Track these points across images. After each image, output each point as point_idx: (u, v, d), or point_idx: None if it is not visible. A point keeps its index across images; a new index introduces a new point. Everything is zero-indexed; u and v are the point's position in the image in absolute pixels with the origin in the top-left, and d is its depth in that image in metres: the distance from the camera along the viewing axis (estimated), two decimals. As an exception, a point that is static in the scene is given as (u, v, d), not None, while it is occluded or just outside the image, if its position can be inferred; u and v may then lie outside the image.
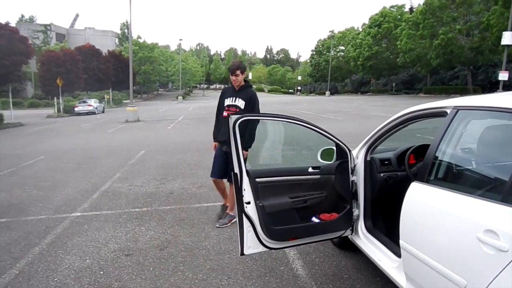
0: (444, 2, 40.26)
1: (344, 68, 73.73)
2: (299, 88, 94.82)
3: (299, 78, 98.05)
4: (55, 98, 35.37)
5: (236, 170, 3.08)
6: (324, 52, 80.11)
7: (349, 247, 3.91)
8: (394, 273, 2.80)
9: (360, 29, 69.15)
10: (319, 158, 3.68)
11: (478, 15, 38.36)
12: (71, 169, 9.16)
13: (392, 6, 60.41)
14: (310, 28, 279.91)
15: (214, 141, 5.02)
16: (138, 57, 64.33)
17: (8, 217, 5.69)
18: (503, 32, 25.03)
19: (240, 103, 4.68)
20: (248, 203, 3.11)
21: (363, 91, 70.53)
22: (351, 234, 3.53)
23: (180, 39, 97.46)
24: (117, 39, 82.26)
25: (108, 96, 48.03)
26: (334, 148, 3.54)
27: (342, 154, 3.42)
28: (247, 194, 3.10)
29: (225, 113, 4.71)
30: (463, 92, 39.44)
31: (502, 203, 1.82)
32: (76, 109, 34.61)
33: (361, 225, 3.48)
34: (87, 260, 4.10)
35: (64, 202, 6.37)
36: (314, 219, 3.39)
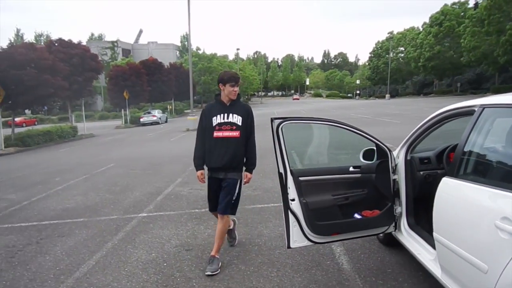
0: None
1: (404, 69, 71.55)
2: (357, 92, 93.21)
3: (358, 82, 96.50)
4: (122, 110, 37.73)
5: (281, 169, 3.38)
6: (383, 54, 78.24)
7: (393, 244, 4.06)
8: (431, 264, 2.96)
9: (421, 29, 66.76)
10: (361, 158, 3.88)
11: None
12: (137, 175, 9.93)
13: (454, 4, 57.85)
14: (369, 30, 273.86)
15: (200, 169, 4.23)
16: (197, 68, 66.46)
17: (85, 217, 6.38)
18: None
19: (236, 119, 3.98)
20: (293, 200, 3.40)
21: (425, 92, 67.90)
22: (394, 230, 3.70)
23: (238, 49, 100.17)
24: (177, 52, 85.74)
25: (170, 107, 50.26)
26: (375, 148, 3.73)
27: (382, 153, 3.61)
28: (292, 192, 3.39)
29: (218, 134, 3.96)
30: (536, 89, 36.88)
31: (517, 193, 1.98)
32: (141, 120, 36.66)
33: (403, 222, 3.64)
34: (153, 254, 4.58)
35: (132, 204, 7.00)
36: (356, 216, 3.61)
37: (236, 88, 3.98)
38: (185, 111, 53.55)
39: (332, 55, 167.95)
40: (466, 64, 50.03)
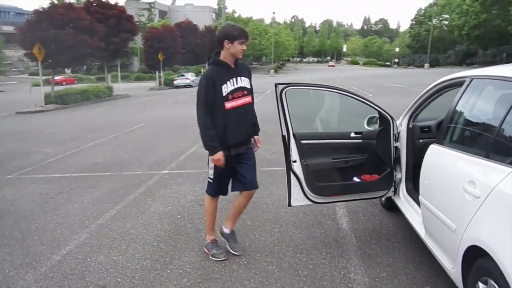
0: None
1: (447, 38, 68.41)
2: (396, 60, 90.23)
3: (397, 49, 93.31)
4: (156, 72, 38.34)
5: (284, 132, 3.57)
6: (425, 22, 74.77)
7: (394, 208, 4.22)
8: (419, 226, 3.13)
9: (468, -5, 63.12)
10: (365, 125, 4.01)
11: None
12: (164, 135, 10.36)
13: (507, -33, 54.05)
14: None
15: (220, 149, 3.32)
16: (232, 31, 66.04)
17: (112, 171, 6.84)
18: None
19: (245, 82, 3.48)
20: (295, 161, 3.60)
21: (468, 63, 64.88)
22: (393, 195, 3.86)
23: (273, 12, 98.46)
24: (214, 14, 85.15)
25: (204, 70, 50.54)
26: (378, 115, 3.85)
27: (384, 121, 3.72)
28: (294, 154, 3.59)
29: (231, 103, 3.32)
30: None
31: (484, 158, 2.11)
32: (175, 82, 37.24)
33: (402, 187, 3.79)
34: (169, 207, 4.94)
35: (156, 162, 7.40)
36: (355, 179, 3.78)
37: (244, 47, 3.32)
38: (219, 75, 53.65)
39: (372, 21, 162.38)
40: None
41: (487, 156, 2.11)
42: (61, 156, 8.36)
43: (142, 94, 30.21)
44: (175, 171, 6.67)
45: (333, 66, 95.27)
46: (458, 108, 2.60)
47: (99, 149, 8.98)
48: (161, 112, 16.44)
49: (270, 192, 5.30)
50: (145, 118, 14.57)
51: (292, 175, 3.62)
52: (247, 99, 3.50)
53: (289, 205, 3.70)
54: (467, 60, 66.67)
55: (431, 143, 3.60)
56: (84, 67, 56.64)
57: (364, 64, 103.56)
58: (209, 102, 3.30)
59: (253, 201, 4.92)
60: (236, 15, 71.90)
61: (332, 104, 4.54)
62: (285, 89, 3.49)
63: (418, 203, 3.47)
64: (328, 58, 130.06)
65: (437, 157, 2.67)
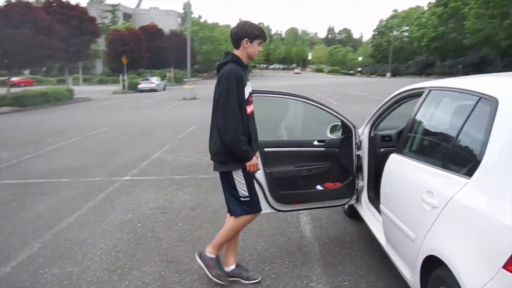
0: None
1: (408, 49, 70.77)
2: (359, 69, 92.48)
3: (360, 59, 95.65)
4: (120, 76, 37.55)
5: (247, 139, 3.54)
6: (387, 32, 77.14)
7: (357, 216, 4.26)
8: (380, 235, 3.17)
9: (426, 8, 65.67)
10: (328, 133, 4.04)
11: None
12: (128, 140, 10.11)
13: (462, -16, 56.70)
14: (374, 7, 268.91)
15: (254, 154, 2.99)
16: (199, 36, 65.85)
17: (71, 177, 6.59)
18: None
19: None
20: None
21: (427, 73, 67.28)
22: (356, 203, 3.91)
23: (240, 19, 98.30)
24: (179, 19, 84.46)
25: (169, 74, 49.95)
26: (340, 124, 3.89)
27: (347, 129, 3.77)
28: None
29: (251, 107, 3.05)
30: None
31: (441, 169, 2.16)
32: (139, 86, 36.56)
33: (364, 195, 3.84)
34: (129, 215, 4.80)
35: (118, 167, 7.20)
36: (319, 187, 3.80)
37: (261, 48, 3.10)
38: (184, 79, 53.24)
39: (336, 30, 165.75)
40: (469, 46, 49.50)
41: (444, 166, 2.15)
42: (15, 161, 7.99)
43: (105, 97, 29.47)
44: (137, 177, 6.51)
45: (299, 73, 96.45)
46: (417, 118, 2.66)
47: (58, 153, 8.65)
48: (124, 116, 16.06)
49: (234, 200, 5.25)
50: (107, 122, 14.20)
51: (255, 184, 3.60)
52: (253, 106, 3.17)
53: None
54: (426, 70, 69.15)
55: (392, 152, 3.70)
56: (44, 68, 54.75)
57: (328, 72, 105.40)
58: (238, 104, 2.86)
59: (215, 209, 4.89)
60: (202, 20, 71.65)
61: (296, 112, 4.57)
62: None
63: (379, 211, 3.53)
64: (294, 65, 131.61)
65: (397, 166, 2.72)
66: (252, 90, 3.47)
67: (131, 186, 5.98)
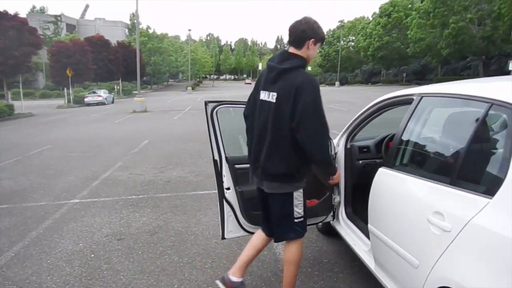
0: (457, -10, 39.57)
1: (354, 58, 73.14)
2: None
3: (309, 68, 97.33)
4: (65, 89, 35.78)
5: (216, 156, 3.19)
6: (334, 42, 79.40)
7: (332, 233, 4.00)
8: (365, 256, 2.90)
9: (371, 19, 68.27)
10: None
11: (490, 4, 37.64)
12: (75, 158, 9.36)
13: (403, -5, 59.52)
14: (321, 18, 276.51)
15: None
16: (147, 48, 64.56)
17: (10, 203, 5.88)
18: (515, 21, 24.57)
19: None
20: (228, 188, 3.22)
21: (373, 81, 69.87)
22: (333, 220, 3.63)
23: (189, 29, 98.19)
24: (127, 30, 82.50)
25: (118, 87, 48.38)
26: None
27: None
28: (227, 180, 3.21)
29: None
30: (474, 82, 38.85)
31: (450, 186, 1.90)
32: (86, 99, 34.99)
33: (341, 211, 3.57)
34: (80, 244, 4.25)
35: (65, 189, 6.55)
36: (294, 205, 3.49)
37: None
38: (134, 92, 51.82)
39: (285, 40, 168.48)
40: (412, 55, 51.84)
41: (454, 183, 1.90)
42: None
43: (49, 112, 27.84)
44: (88, 199, 5.92)
45: (250, 83, 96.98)
46: (410, 128, 2.41)
47: (-5, 176, 7.81)
48: (71, 132, 15.08)
49: (198, 221, 4.83)
50: (52, 138, 13.22)
51: (225, 204, 3.24)
52: None
53: (223, 237, 3.31)
54: (372, 78, 71.80)
55: (373, 165, 3.46)
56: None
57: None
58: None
59: (180, 232, 4.46)
60: (150, 30, 70.29)
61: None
62: (217, 108, 3.12)
63: (360, 228, 3.27)
64: (245, 75, 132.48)
65: (389, 182, 2.45)
66: (218, 101, 3.17)
67: (81, 210, 5.40)
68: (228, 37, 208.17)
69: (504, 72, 38.76)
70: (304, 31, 2.52)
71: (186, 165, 8.07)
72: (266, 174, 2.62)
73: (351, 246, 3.19)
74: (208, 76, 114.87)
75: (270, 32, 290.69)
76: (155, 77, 73.47)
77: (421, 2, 49.83)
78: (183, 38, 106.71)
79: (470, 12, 39.51)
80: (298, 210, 2.71)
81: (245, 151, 4.89)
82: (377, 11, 61.87)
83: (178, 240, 4.25)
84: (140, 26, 48.42)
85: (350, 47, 75.69)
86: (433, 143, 2.40)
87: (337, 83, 66.51)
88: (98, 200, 5.84)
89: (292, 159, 2.52)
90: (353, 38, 75.33)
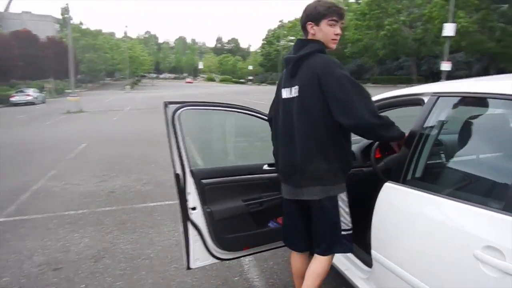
0: (390, -7, 41.19)
1: (294, 58, 74.13)
2: (250, 78, 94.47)
3: (250, 67, 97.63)
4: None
5: (178, 169, 2.61)
6: (275, 42, 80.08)
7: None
8: (363, 284, 2.45)
9: (310, 19, 69.50)
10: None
11: (421, 8, 39.54)
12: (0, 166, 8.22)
13: (340, -4, 61.33)
14: (261, 18, 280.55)
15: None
16: (81, 44, 61.26)
17: None
18: (444, 24, 25.71)
19: None
20: (194, 208, 2.66)
21: (312, 80, 71.21)
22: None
23: (126, 26, 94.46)
24: (57, 25, 77.74)
25: (49, 86, 45.25)
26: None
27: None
28: (192, 199, 2.65)
29: None
30: (408, 82, 40.70)
31: (505, 213, 1.48)
32: (12, 99, 32.34)
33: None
34: (6, 278, 3.46)
35: (-14, 205, 5.57)
36: (271, 224, 2.99)
37: (339, 30, 2.22)
38: (67, 91, 48.62)
39: (225, 40, 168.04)
40: (349, 55, 53.37)
41: (507, 208, 1.48)
42: None
43: (-31, 113, 25.23)
44: (15, 217, 5.02)
45: (191, 82, 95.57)
46: (426, 134, 1.99)
47: None
48: (-6, 136, 13.53)
49: (151, 240, 4.17)
50: (-29, 144, 11.72)
51: (190, 227, 2.67)
52: None
53: (188, 268, 2.73)
54: (311, 77, 73.05)
55: (361, 174, 3.04)
56: None
57: (220, 81, 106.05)
58: None
59: (131, 256, 3.81)
60: (83, 26, 66.79)
61: (235, 128, 3.71)
62: (179, 111, 2.54)
63: (353, 251, 2.83)
64: (185, 74, 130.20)
65: (403, 202, 2.01)
66: (181, 102, 2.62)
67: (6, 232, 4.53)
68: (167, 36, 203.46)
69: (433, 72, 41.02)
70: (302, 17, 2.28)
71: (131, 172, 7.30)
72: (305, 178, 2.22)
73: (341, 271, 2.74)
74: (147, 74, 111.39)
75: (210, 31, 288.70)
76: (90, 75, 69.95)
77: (358, 4, 51.54)
78: (119, 35, 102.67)
79: (403, 15, 41.32)
80: (345, 219, 2.31)
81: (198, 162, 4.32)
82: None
83: (129, 267, 3.58)
84: (72, 22, 45.45)
85: (291, 47, 76.58)
86: (467, 155, 1.99)
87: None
88: (28, 218, 4.97)
89: (332, 153, 2.15)
90: (293, 38, 76.33)
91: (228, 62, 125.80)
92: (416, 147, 2.02)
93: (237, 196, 2.87)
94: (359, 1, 50.30)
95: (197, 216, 2.67)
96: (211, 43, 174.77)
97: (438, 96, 2.01)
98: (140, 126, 14.57)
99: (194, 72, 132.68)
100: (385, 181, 2.18)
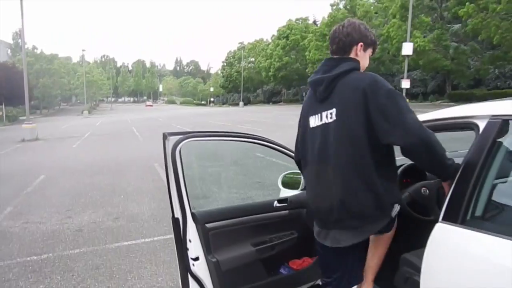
0: (347, 15, 42.40)
1: (256, 78, 74.70)
2: (212, 99, 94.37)
3: (212, 89, 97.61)
4: None
5: (177, 213, 2.17)
6: (235, 64, 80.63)
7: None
8: None
9: (270, 41, 70.60)
10: (280, 186, 2.87)
11: (379, 28, 40.91)
12: None
13: (297, 19, 62.65)
14: (220, 40, 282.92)
15: None
16: (34, 69, 59.04)
17: None
18: (403, 43, 26.57)
19: None
20: (196, 259, 2.21)
21: (274, 101, 71.87)
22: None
23: (83, 50, 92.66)
24: (9, 50, 74.77)
25: (0, 113, 42.98)
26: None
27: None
28: (194, 247, 2.20)
29: None
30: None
31: None
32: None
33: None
34: None
35: None
36: (283, 270, 2.57)
37: None
38: (21, 117, 46.39)
39: (184, 62, 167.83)
40: (310, 75, 54.29)
41: None
42: None
43: None
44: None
45: (151, 105, 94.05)
46: (488, 164, 1.65)
47: None
48: None
49: (131, 289, 3.63)
50: None
51: (192, 282, 2.21)
52: None
53: None
54: (273, 98, 73.95)
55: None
56: None
57: (181, 103, 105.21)
58: None
59: (110, 312, 3.24)
60: (38, 51, 64.58)
61: (237, 158, 3.29)
62: (181, 143, 2.11)
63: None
64: (145, 97, 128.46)
65: (471, 248, 1.63)
66: (183, 133, 2.21)
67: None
68: (125, 59, 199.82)
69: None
70: (349, 34, 1.94)
71: (99, 205, 6.66)
72: (350, 217, 1.84)
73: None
74: (105, 99, 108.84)
75: (168, 54, 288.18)
76: (45, 101, 67.34)
77: (317, 26, 52.81)
78: (75, 59, 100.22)
79: (361, 35, 42.55)
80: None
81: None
82: (276, 33, 64.16)
83: (109, 326, 3.04)
84: (26, 46, 43.50)
85: (251, 68, 77.29)
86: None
87: (241, 103, 67.22)
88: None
89: (378, 185, 1.80)
90: (253, 59, 77.11)
91: (189, 84, 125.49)
92: (476, 180, 1.68)
93: (245, 241, 2.44)
94: (317, 22, 51.56)
95: (200, 268, 2.22)
96: (170, 66, 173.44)
97: (501, 119, 1.69)
98: (103, 153, 13.80)
99: (154, 95, 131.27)
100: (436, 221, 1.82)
